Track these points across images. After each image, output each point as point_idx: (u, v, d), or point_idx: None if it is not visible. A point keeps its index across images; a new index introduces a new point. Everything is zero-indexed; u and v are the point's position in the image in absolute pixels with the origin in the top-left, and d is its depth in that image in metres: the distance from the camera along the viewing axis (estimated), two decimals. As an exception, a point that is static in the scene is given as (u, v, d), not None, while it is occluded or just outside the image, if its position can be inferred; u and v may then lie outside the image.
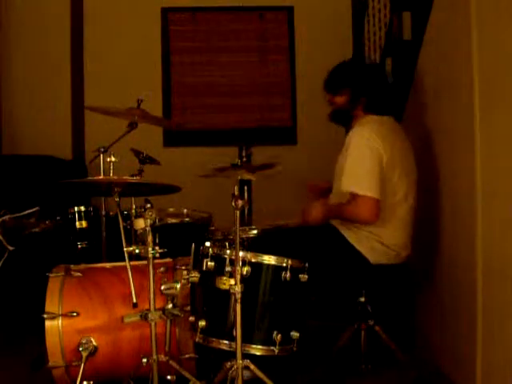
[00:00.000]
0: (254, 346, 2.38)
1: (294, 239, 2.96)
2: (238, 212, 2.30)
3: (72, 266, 2.67)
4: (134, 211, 2.69)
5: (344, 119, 3.09)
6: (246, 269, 2.31)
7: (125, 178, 2.45)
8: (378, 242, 2.88)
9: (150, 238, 2.32)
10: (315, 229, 3.00)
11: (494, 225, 2.44)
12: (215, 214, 3.49)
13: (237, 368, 2.26)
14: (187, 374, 2.40)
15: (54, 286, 2.54)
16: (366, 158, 2.84)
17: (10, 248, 3.02)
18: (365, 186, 2.80)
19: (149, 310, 2.32)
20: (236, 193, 2.32)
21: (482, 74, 2.52)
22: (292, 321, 2.47)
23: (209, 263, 2.40)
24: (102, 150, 3.05)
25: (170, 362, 2.38)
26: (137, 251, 2.35)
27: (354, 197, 2.84)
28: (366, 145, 2.86)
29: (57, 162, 4.82)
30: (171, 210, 3.51)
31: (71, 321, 2.48)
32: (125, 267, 2.36)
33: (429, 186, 3.12)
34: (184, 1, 5.39)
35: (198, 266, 2.44)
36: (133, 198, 2.77)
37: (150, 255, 2.32)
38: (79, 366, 2.40)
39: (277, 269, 2.43)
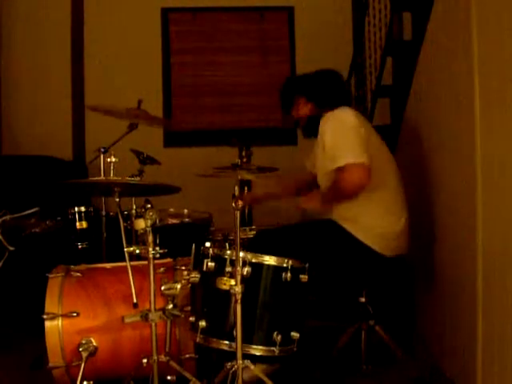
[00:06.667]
0: (254, 346, 2.38)
1: (295, 237, 2.95)
2: (238, 212, 2.30)
3: (72, 266, 2.67)
4: (134, 211, 2.69)
5: (317, 127, 3.05)
6: (246, 269, 2.31)
7: (125, 178, 2.44)
8: (378, 231, 2.89)
9: (150, 239, 2.32)
10: (316, 225, 3.00)
11: (494, 224, 2.44)
12: (215, 214, 3.49)
13: (237, 368, 2.26)
14: (187, 374, 2.40)
15: (54, 287, 2.54)
16: (340, 131, 2.85)
17: (10, 248, 3.01)
18: (345, 156, 2.77)
19: (149, 310, 2.32)
20: (236, 193, 2.32)
21: (482, 75, 2.52)
22: (292, 321, 2.47)
23: (209, 264, 2.40)
24: (103, 150, 3.05)
25: (171, 362, 2.38)
26: (137, 251, 2.35)
27: (339, 172, 2.80)
28: (339, 121, 2.89)
29: (57, 162, 4.82)
30: (171, 210, 3.51)
31: (71, 321, 2.48)
32: (125, 267, 2.36)
33: (429, 184, 3.12)
34: (184, 1, 5.40)
35: (198, 266, 2.45)
36: (133, 198, 2.77)
37: (151, 255, 2.32)
38: (79, 366, 2.40)
39: (277, 269, 2.43)
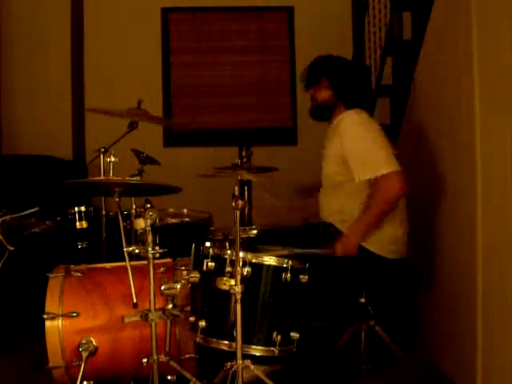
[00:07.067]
0: (253, 346, 2.38)
1: (297, 237, 2.96)
2: (238, 212, 2.30)
3: (72, 266, 2.67)
4: (134, 211, 2.69)
5: (325, 115, 3.10)
6: (246, 269, 2.31)
7: (125, 178, 2.44)
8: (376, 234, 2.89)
9: (150, 238, 2.32)
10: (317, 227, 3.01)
11: (494, 225, 2.44)
12: (215, 214, 3.48)
13: (237, 368, 2.26)
14: (187, 374, 2.40)
15: (54, 287, 2.54)
16: (368, 140, 2.86)
17: (10, 248, 3.01)
18: (378, 166, 2.79)
19: (149, 310, 2.32)
20: (236, 193, 2.32)
21: (482, 74, 2.52)
22: (292, 321, 2.47)
23: (209, 263, 2.40)
24: (103, 150, 3.05)
25: (171, 362, 2.38)
26: (137, 251, 2.35)
27: (375, 182, 2.81)
28: (363, 128, 2.90)
29: (57, 162, 4.82)
30: (171, 210, 3.51)
31: (71, 321, 2.48)
32: (125, 267, 2.36)
33: (429, 185, 3.12)
34: (184, 1, 5.39)
35: (198, 266, 2.44)
36: (133, 198, 2.77)
37: (150, 255, 2.32)
38: (79, 366, 2.40)
39: (277, 269, 2.43)
